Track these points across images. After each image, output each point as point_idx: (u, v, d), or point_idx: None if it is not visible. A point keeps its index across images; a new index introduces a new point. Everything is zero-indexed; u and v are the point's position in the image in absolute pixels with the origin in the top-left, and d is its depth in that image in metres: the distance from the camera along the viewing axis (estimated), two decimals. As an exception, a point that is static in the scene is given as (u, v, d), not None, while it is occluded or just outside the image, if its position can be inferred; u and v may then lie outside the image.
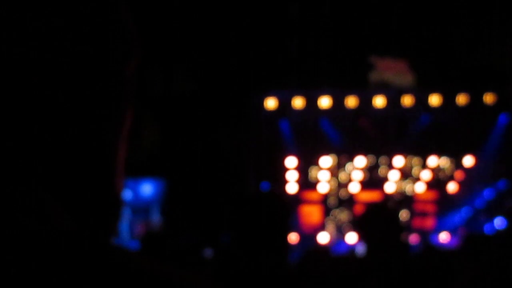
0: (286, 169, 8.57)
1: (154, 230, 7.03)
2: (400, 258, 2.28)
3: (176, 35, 7.21)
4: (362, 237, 2.33)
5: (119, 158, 0.49)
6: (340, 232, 8.40)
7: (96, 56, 0.46)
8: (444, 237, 7.97)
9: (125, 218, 7.70)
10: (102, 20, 0.46)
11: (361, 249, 2.39)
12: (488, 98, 8.16)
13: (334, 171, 8.67)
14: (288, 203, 1.67)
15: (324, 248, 6.50)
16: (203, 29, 7.41)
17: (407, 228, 8.28)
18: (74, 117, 0.45)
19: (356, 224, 3.11)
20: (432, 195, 8.69)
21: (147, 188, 8.22)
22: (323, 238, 8.27)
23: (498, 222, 7.63)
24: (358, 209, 7.89)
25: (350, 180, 8.66)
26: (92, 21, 0.46)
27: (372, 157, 8.60)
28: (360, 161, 8.57)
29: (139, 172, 7.72)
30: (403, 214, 8.50)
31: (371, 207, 2.50)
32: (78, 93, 0.45)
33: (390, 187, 8.60)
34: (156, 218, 8.07)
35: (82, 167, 0.46)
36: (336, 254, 5.85)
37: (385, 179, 8.62)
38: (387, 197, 8.53)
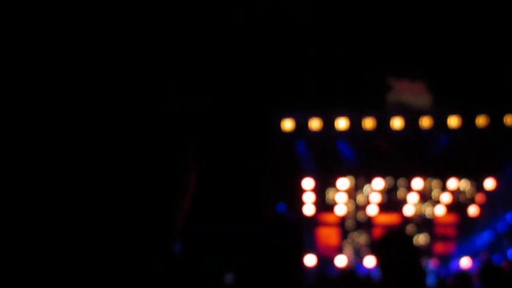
0: (303, 191, 8.49)
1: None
2: (415, 284, 2.22)
3: (192, 54, 7.24)
4: (377, 262, 2.29)
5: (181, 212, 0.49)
6: (358, 255, 8.26)
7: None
8: (465, 262, 7.79)
9: None
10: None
11: (377, 274, 2.33)
12: (509, 119, 8.04)
13: (352, 193, 8.57)
14: (300, 225, 1.64)
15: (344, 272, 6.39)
16: (219, 49, 7.44)
17: (427, 252, 8.12)
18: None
19: (372, 249, 3.04)
20: (452, 218, 8.53)
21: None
22: (341, 261, 8.14)
23: None
24: (376, 232, 7.76)
25: (368, 203, 8.55)
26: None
27: (390, 179, 8.49)
28: (378, 183, 8.46)
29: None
30: (423, 238, 8.34)
31: (386, 232, 2.46)
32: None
33: (409, 210, 8.47)
34: None
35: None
36: (355, 277, 5.74)
37: (403, 202, 8.49)
38: (406, 220, 8.40)
